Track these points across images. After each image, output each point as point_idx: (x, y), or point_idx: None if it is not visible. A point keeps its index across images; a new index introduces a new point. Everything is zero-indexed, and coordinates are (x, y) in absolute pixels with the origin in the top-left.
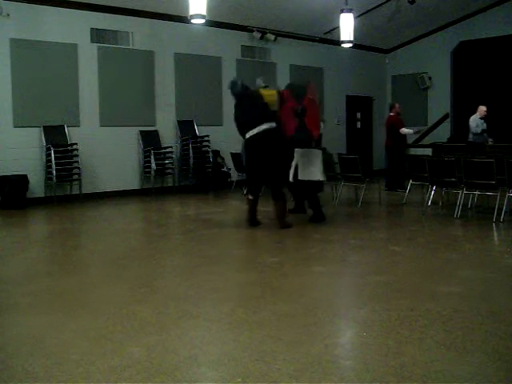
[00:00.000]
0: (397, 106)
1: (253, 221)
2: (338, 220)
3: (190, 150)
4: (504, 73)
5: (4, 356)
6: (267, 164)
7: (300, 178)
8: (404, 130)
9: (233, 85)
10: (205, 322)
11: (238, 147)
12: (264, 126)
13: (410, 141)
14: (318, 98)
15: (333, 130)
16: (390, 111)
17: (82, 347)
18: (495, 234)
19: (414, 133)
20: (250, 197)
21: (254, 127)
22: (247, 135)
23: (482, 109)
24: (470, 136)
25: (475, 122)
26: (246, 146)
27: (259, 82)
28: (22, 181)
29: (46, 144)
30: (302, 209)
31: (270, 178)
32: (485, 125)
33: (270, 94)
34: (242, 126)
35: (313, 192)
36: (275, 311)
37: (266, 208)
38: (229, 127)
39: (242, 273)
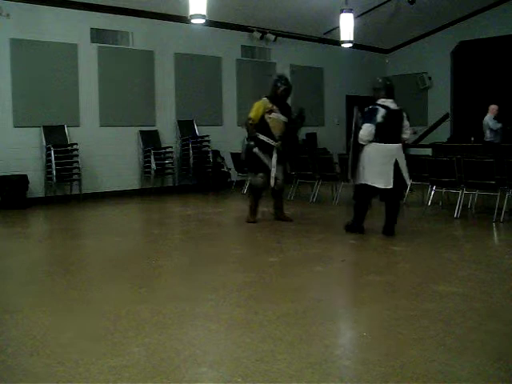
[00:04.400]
0: None
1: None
2: (337, 220)
3: (190, 150)
4: (504, 73)
5: (4, 356)
6: None
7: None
8: None
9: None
10: (205, 322)
11: (237, 147)
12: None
13: (409, 141)
14: None
15: (333, 130)
16: None
17: (82, 347)
18: (495, 234)
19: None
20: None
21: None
22: None
23: (494, 108)
24: (488, 135)
25: (492, 120)
26: None
27: None
28: (21, 181)
29: (46, 144)
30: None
31: None
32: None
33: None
34: None
35: (366, 198)
36: (275, 311)
37: (265, 209)
38: (229, 127)
39: (241, 273)
